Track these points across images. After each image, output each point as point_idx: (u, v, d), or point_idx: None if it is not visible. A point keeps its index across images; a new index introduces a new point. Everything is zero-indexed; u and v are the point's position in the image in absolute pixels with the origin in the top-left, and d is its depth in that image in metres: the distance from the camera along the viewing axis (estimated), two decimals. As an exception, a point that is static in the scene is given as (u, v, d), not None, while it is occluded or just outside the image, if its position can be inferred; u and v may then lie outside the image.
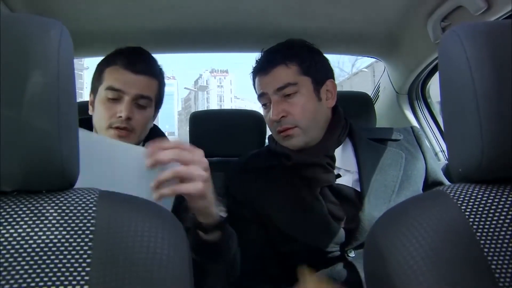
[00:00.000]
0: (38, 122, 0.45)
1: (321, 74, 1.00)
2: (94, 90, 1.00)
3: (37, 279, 0.43)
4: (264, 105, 1.03)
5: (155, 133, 1.08)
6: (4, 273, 0.43)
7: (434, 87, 1.59)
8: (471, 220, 0.50)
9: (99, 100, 0.96)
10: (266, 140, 1.24)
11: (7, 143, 0.45)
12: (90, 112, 1.01)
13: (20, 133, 0.45)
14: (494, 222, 0.50)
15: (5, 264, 0.43)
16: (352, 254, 0.93)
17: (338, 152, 1.01)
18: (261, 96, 1.02)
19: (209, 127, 1.38)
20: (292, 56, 0.98)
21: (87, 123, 1.03)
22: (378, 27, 1.35)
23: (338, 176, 0.99)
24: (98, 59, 1.05)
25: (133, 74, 0.95)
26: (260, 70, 1.01)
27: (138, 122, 0.96)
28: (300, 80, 0.97)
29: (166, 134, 1.12)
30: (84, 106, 1.02)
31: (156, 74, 1.00)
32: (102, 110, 0.95)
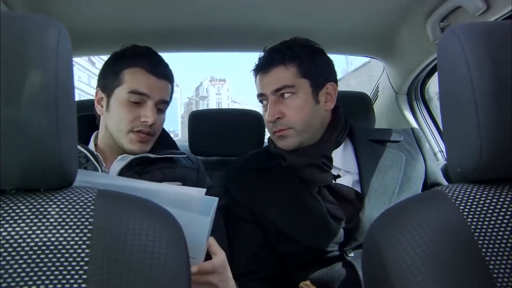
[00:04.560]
0: (36, 121, 0.45)
1: (321, 77, 0.99)
2: (107, 90, 0.95)
3: (35, 278, 0.43)
4: (262, 103, 1.04)
5: (162, 135, 1.05)
6: (2, 271, 0.43)
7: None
8: (469, 220, 0.50)
9: (119, 102, 0.93)
10: (266, 140, 1.23)
11: (6, 142, 0.45)
12: (99, 112, 0.97)
13: (19, 131, 0.45)
14: (492, 222, 0.50)
15: (3, 263, 0.43)
16: (351, 254, 0.93)
17: (338, 153, 1.01)
18: (260, 96, 1.02)
19: (208, 127, 1.36)
20: (292, 57, 0.97)
21: (87, 121, 1.02)
22: (377, 27, 1.34)
23: (338, 176, 0.99)
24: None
25: (157, 79, 0.94)
26: (260, 69, 1.01)
27: (158, 126, 0.96)
28: (298, 83, 0.97)
29: (172, 136, 1.13)
30: (82, 104, 1.01)
31: (172, 78, 1.00)
32: (123, 113, 0.92)
